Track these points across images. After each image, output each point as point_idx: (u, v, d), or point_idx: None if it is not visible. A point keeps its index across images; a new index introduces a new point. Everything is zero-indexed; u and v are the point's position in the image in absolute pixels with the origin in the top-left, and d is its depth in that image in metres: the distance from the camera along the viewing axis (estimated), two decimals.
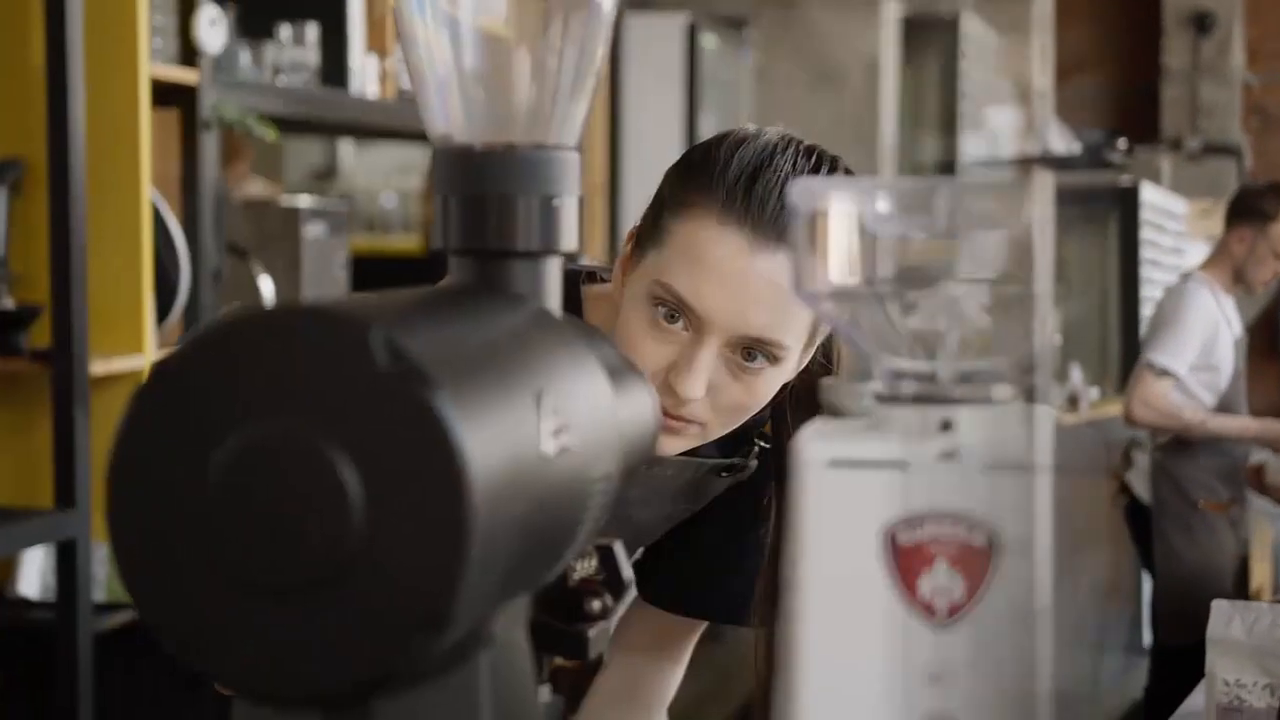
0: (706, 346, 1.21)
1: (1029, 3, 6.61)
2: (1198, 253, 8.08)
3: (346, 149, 6.01)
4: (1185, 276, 4.42)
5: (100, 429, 2.37)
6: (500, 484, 0.63)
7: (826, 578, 0.67)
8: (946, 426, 0.68)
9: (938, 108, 7.07)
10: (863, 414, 0.75)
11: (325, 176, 5.99)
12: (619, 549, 0.84)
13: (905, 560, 0.67)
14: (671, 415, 1.23)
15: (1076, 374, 6.00)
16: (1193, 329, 4.18)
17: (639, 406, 0.86)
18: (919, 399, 0.70)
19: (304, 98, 3.00)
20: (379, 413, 0.61)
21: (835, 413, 0.77)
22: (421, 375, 0.60)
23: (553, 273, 0.79)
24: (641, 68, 4.91)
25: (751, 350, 1.23)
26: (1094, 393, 5.94)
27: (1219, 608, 1.88)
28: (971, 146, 6.77)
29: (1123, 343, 6.93)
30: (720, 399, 1.24)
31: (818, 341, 1.30)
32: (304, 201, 3.12)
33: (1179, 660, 4.26)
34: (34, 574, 2.59)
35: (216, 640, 0.61)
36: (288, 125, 3.16)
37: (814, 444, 0.69)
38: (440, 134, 0.80)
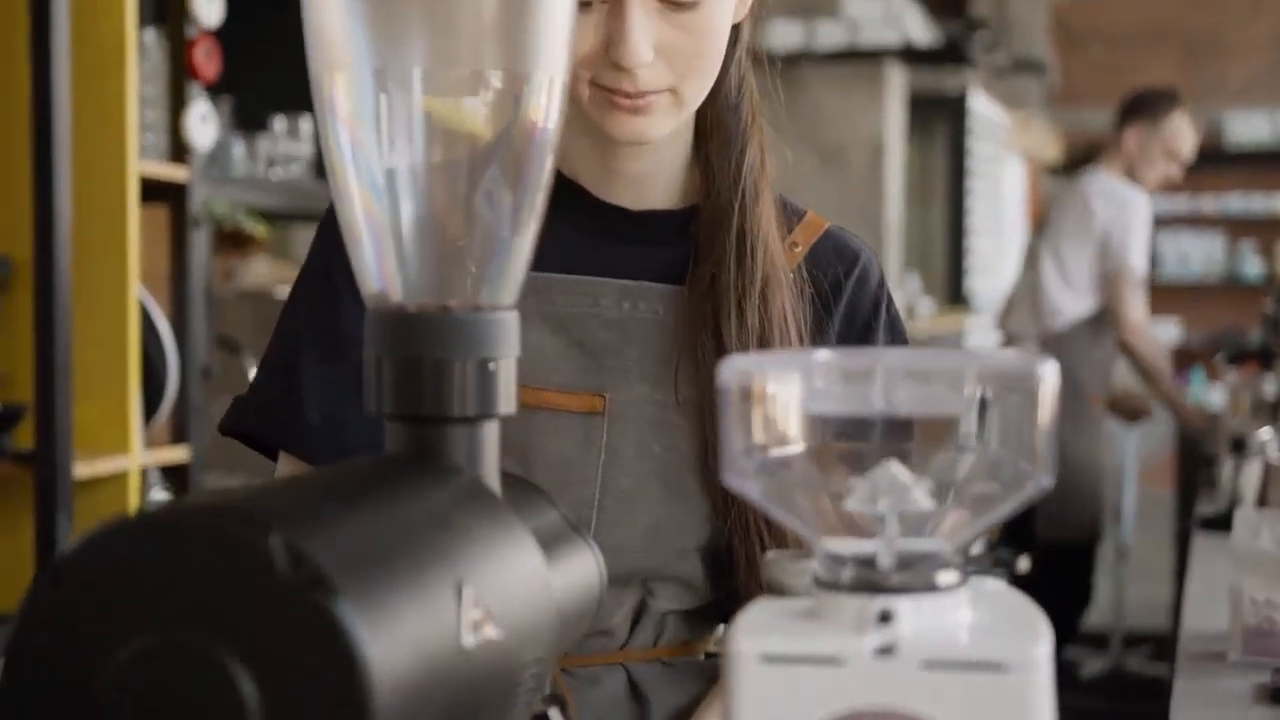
0: (629, 4, 1.12)
1: None
2: (1014, 165, 8.20)
3: None
4: (1090, 176, 4.52)
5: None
6: (411, 687, 0.60)
7: None
8: (886, 618, 0.65)
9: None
10: (805, 592, 0.72)
11: None
12: (555, 716, 0.81)
13: None
14: (633, 94, 1.14)
15: (914, 283, 6.07)
16: (1145, 232, 4.29)
17: (579, 573, 0.83)
18: (857, 586, 0.67)
19: (297, 190, 2.99)
20: (279, 621, 0.58)
21: (778, 590, 0.74)
22: (323, 581, 0.58)
23: (490, 437, 0.77)
24: None
25: None
26: (928, 303, 6.02)
27: (1244, 517, 1.69)
28: None
29: (948, 253, 6.99)
30: (674, 56, 1.15)
31: None
32: None
33: (1056, 558, 4.27)
34: None
35: None
36: (282, 216, 3.15)
37: (748, 637, 0.66)
38: (374, 293, 0.77)
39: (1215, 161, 9.96)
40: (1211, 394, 5.37)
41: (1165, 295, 10.16)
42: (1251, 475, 2.91)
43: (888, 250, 5.67)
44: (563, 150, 1.26)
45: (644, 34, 1.13)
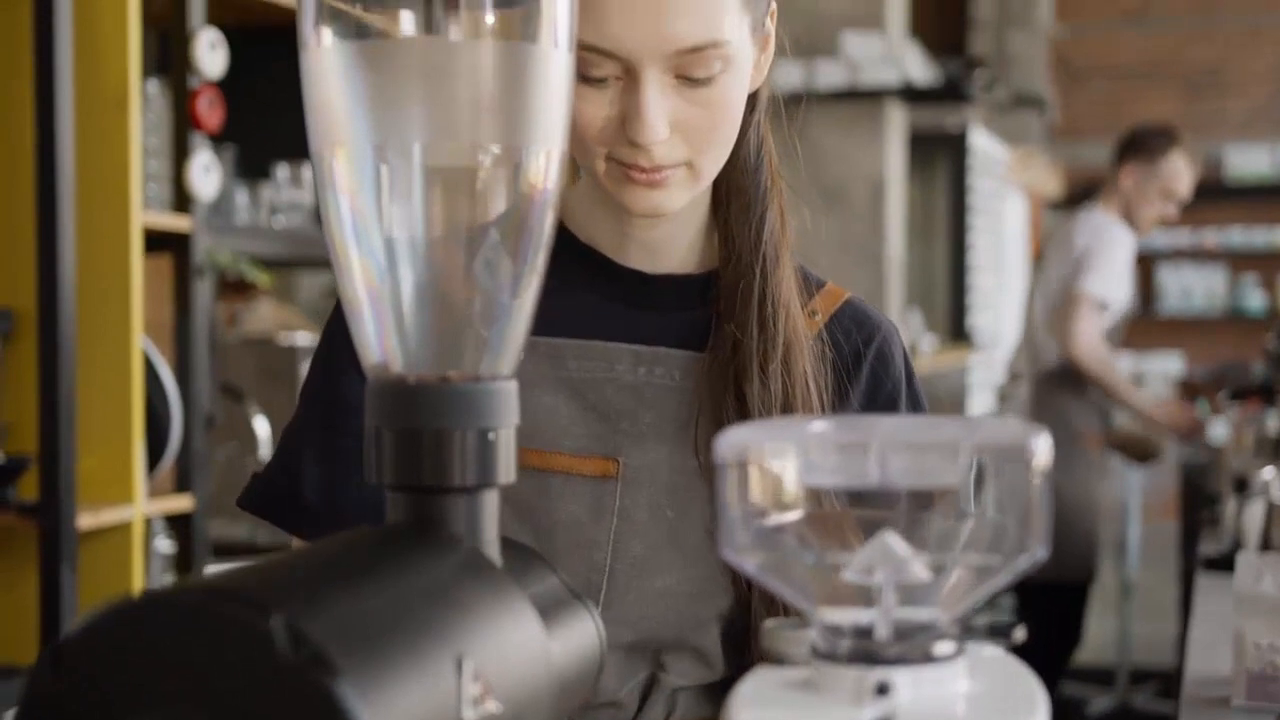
0: (644, 82, 1.11)
1: None
2: (1016, 200, 8.24)
3: None
4: (1084, 214, 4.51)
5: (88, 584, 2.34)
6: None
7: None
8: (883, 690, 0.66)
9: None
10: (803, 662, 0.72)
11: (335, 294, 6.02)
12: None
13: None
14: (650, 169, 1.14)
15: (916, 320, 6.07)
16: (1122, 262, 4.28)
17: (580, 641, 0.83)
18: (854, 658, 0.67)
19: (299, 237, 3.00)
20: (280, 702, 0.58)
21: (776, 660, 0.74)
22: (324, 662, 0.58)
23: (490, 506, 0.77)
24: None
25: (693, 64, 1.12)
26: (930, 340, 6.01)
27: (1245, 560, 1.69)
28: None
29: (950, 289, 6.99)
30: (690, 131, 1.13)
31: (766, 11, 1.20)
32: (302, 339, 3.12)
33: (1043, 599, 4.24)
34: None
35: None
36: (285, 263, 3.16)
37: (747, 709, 0.66)
38: (374, 364, 0.78)
39: (1216, 195, 10.00)
40: (1216, 428, 5.38)
41: (1168, 329, 10.18)
42: (1255, 516, 2.90)
43: (889, 287, 5.68)
44: (580, 217, 1.27)
45: (659, 111, 1.12)
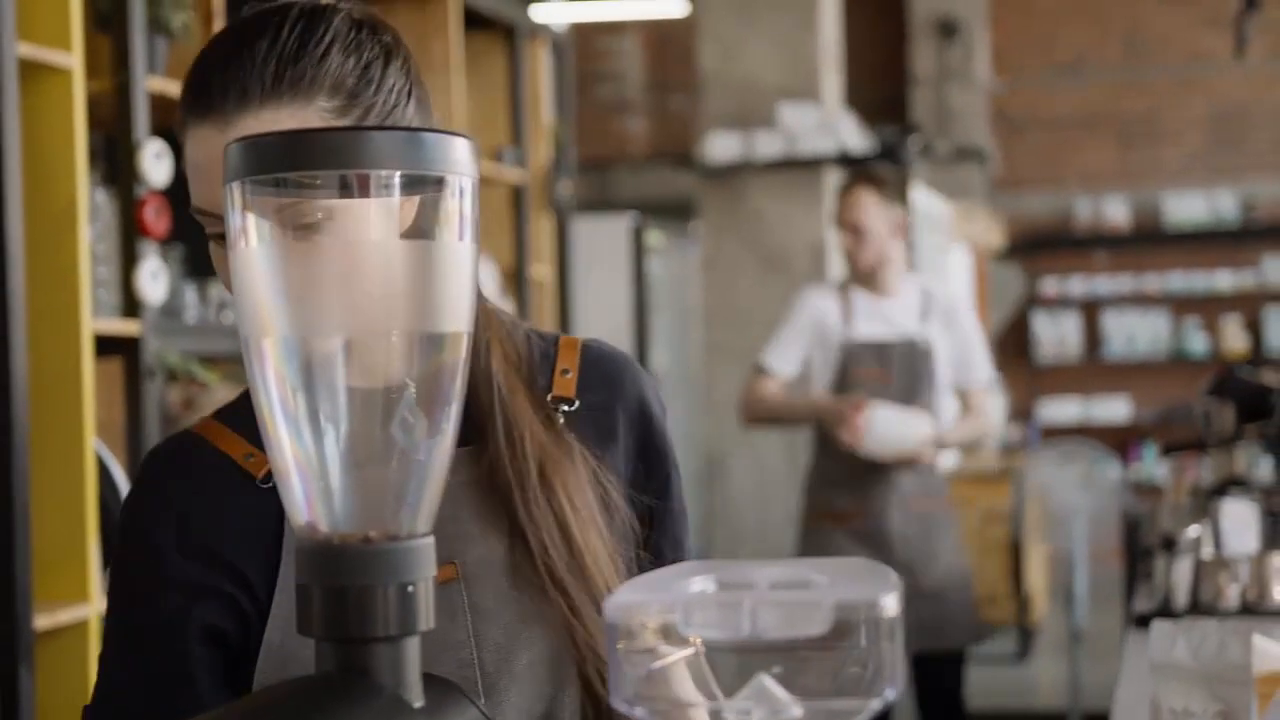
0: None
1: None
2: (959, 254, 8.39)
3: None
4: None
5: (46, 684, 2.40)
6: None
7: None
8: None
9: None
10: None
11: None
12: None
13: None
14: None
15: None
16: (790, 326, 4.14)
17: None
18: None
19: None
20: None
21: None
22: None
23: (411, 652, 0.85)
24: (590, 267, 5.04)
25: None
26: None
27: (1160, 628, 1.74)
28: None
29: None
30: None
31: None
32: None
33: (932, 669, 4.20)
34: None
35: None
36: (235, 359, 3.23)
37: None
38: (302, 524, 0.86)
39: (1156, 242, 10.20)
40: (1159, 470, 5.49)
41: (1113, 373, 10.34)
42: (1183, 573, 2.97)
43: None
44: None
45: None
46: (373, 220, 0.85)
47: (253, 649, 1.24)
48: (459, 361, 0.87)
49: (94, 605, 2.56)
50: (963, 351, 4.15)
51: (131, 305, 2.71)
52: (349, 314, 0.85)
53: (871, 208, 4.01)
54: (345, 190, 0.84)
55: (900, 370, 4.09)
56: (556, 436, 1.29)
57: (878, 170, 4.22)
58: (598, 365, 1.35)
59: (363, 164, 0.83)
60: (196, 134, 1.19)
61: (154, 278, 2.70)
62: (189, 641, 1.23)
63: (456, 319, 0.86)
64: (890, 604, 0.75)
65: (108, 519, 2.59)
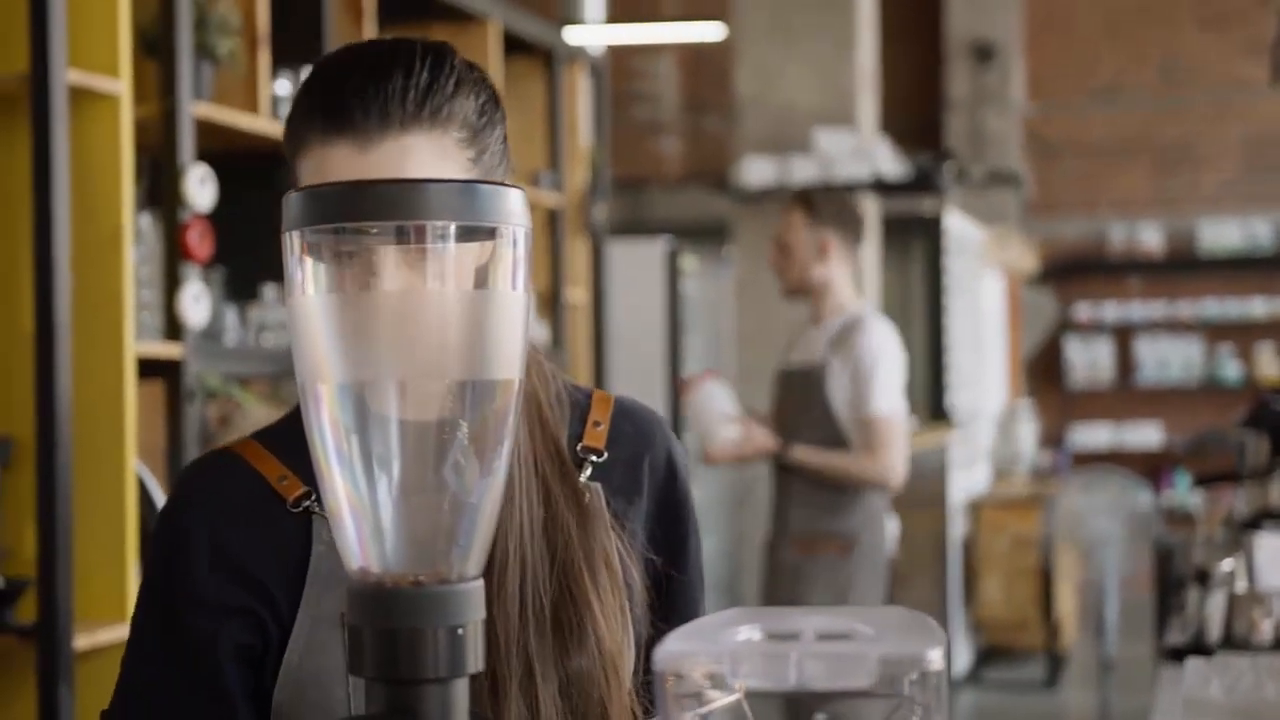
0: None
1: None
2: (992, 279, 8.38)
3: None
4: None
5: (86, 704, 2.42)
6: None
7: None
8: None
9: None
10: None
11: None
12: None
13: None
14: None
15: None
16: None
17: None
18: None
19: (288, 355, 3.07)
20: None
21: None
22: None
23: (460, 693, 0.87)
24: (625, 289, 5.06)
25: None
26: (910, 421, 6.04)
27: (1194, 667, 1.77)
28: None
29: (928, 370, 7.08)
30: None
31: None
32: None
33: None
34: None
35: None
36: (275, 377, 3.26)
37: None
38: (355, 569, 0.88)
39: (1190, 268, 10.16)
40: (1191, 497, 5.46)
41: (1146, 399, 10.30)
42: (1216, 607, 2.97)
43: None
44: None
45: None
46: (428, 270, 0.87)
47: (272, 668, 1.25)
48: (510, 406, 0.89)
49: None
50: (854, 381, 4.01)
51: (174, 328, 2.75)
52: (404, 361, 0.87)
53: (797, 227, 4.02)
54: (402, 240, 0.86)
55: (795, 397, 4.06)
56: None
57: (818, 195, 4.17)
58: (628, 420, 1.36)
59: (420, 215, 0.85)
60: (330, 152, 1.21)
61: (196, 301, 2.73)
62: (219, 657, 1.25)
63: (509, 366, 0.88)
64: (936, 658, 0.76)
65: (148, 540, 2.62)
